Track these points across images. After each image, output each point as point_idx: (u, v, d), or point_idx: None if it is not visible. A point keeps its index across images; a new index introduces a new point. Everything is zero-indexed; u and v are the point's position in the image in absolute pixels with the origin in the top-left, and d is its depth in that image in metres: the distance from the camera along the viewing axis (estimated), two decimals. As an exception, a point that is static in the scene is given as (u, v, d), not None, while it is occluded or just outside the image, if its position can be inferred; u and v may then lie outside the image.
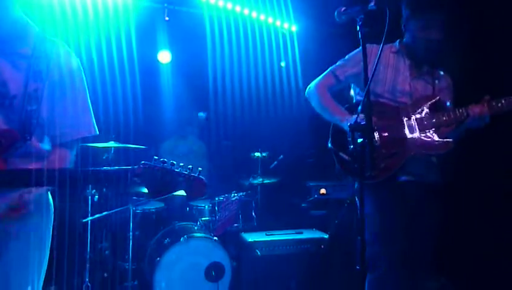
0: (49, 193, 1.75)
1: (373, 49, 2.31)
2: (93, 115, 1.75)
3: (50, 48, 1.66)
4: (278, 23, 4.97)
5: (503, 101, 2.18)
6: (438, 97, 2.31)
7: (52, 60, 1.64)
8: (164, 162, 1.59)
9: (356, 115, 1.90)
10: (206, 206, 3.87)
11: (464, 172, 3.12)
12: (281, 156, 4.32)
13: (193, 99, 4.82)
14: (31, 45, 1.63)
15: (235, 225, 3.82)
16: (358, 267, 1.69)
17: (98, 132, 1.76)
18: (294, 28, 5.09)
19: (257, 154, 4.29)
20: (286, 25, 5.02)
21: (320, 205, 4.10)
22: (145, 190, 3.71)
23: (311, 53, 5.05)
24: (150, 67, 4.58)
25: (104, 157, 3.59)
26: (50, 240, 1.76)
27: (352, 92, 2.59)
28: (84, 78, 1.72)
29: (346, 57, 2.46)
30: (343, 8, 1.82)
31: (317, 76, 2.53)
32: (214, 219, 3.75)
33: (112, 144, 3.46)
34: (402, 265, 2.20)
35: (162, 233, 3.54)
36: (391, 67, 2.36)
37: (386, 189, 2.20)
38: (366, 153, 1.60)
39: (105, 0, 4.12)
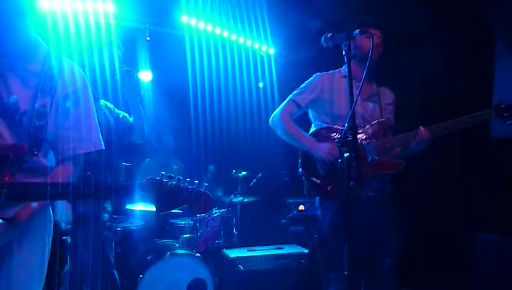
0: (49, 206, 1.80)
1: (324, 77, 2.58)
2: (99, 130, 1.81)
3: (58, 64, 1.72)
4: (256, 45, 5.15)
5: (440, 125, 2.39)
6: (388, 121, 2.51)
7: (60, 76, 1.70)
8: (171, 177, 1.63)
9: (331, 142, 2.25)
10: (187, 223, 3.91)
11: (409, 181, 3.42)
12: (260, 174, 4.43)
13: (173, 118, 4.89)
14: (40, 62, 1.69)
15: (217, 241, 3.87)
16: (345, 273, 1.80)
17: (103, 147, 1.81)
18: (271, 51, 5.29)
19: (238, 173, 4.38)
20: (264, 48, 5.22)
21: (299, 221, 4.22)
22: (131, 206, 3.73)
23: (288, 75, 5.26)
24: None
25: (88, 173, 3.58)
26: (49, 253, 1.79)
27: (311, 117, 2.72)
28: (91, 94, 1.78)
29: (303, 84, 2.63)
30: (329, 34, 1.99)
31: None
32: (195, 235, 3.80)
33: (95, 160, 3.47)
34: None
35: (144, 250, 3.55)
36: (343, 92, 2.51)
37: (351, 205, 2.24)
38: (353, 167, 1.73)
39: (88, 19, 4.17)
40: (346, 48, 1.88)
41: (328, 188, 2.41)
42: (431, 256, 3.71)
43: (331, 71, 2.65)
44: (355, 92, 2.26)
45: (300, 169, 2.52)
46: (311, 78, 2.62)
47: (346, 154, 1.80)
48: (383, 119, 2.50)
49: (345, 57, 1.89)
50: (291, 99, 2.60)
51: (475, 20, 3.59)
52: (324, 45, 2.01)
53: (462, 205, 3.54)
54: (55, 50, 1.75)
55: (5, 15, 1.54)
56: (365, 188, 2.40)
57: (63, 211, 2.42)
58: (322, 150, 2.42)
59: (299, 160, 2.55)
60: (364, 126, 2.49)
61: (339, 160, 2.01)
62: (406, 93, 2.93)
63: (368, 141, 2.45)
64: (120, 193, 1.65)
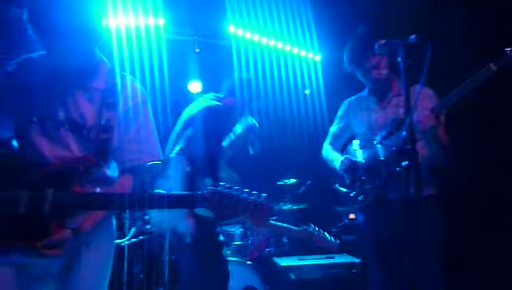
0: (113, 216, 1.88)
1: (350, 103, 2.82)
2: (158, 141, 1.89)
3: (120, 81, 1.81)
4: (303, 52, 5.15)
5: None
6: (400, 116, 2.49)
7: (122, 92, 1.79)
8: (230, 187, 1.64)
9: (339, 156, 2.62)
10: (237, 231, 3.95)
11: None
12: (309, 182, 4.40)
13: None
14: (103, 79, 1.78)
15: (267, 249, 3.88)
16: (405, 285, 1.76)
17: (162, 158, 1.89)
18: (318, 58, 5.27)
19: (286, 180, 4.38)
20: (310, 55, 5.21)
21: (350, 229, 4.16)
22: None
23: (335, 81, 5.21)
24: (180, 97, 4.77)
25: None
26: (112, 257, 1.88)
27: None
28: (150, 108, 1.87)
29: (337, 114, 2.92)
30: (383, 41, 1.96)
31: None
32: (246, 243, 3.83)
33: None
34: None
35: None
36: (365, 111, 2.71)
37: (375, 207, 2.48)
38: (411, 175, 1.70)
39: (139, 34, 4.35)
40: (402, 55, 1.84)
41: (353, 196, 2.61)
42: (485, 258, 3.49)
43: (359, 94, 2.84)
44: (374, 107, 2.60)
45: (333, 179, 2.80)
46: (341, 106, 2.91)
47: (404, 163, 1.77)
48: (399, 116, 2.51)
49: (401, 64, 1.85)
50: (330, 130, 2.95)
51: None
52: (377, 52, 1.99)
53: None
54: (115, 66, 1.85)
55: (73, 37, 1.63)
56: (392, 191, 2.41)
57: (185, 223, 2.54)
58: (337, 162, 2.70)
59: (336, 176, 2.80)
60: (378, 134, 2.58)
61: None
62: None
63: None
64: (183, 203, 1.71)
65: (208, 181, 2.37)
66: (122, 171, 1.81)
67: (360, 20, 4.52)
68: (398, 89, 2.63)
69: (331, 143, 2.93)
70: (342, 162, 2.66)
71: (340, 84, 5.22)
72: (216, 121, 2.63)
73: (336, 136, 2.91)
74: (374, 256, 2.61)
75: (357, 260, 3.69)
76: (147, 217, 3.29)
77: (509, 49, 2.04)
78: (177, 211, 2.58)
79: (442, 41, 2.46)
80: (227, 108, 2.76)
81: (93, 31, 1.69)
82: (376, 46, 1.99)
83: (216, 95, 2.85)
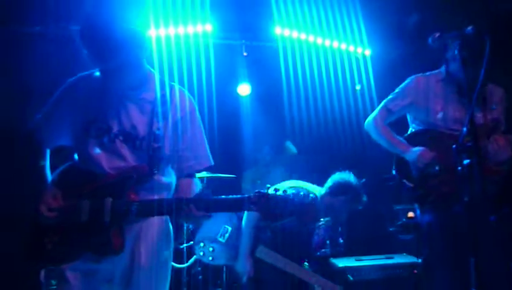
0: (169, 221, 1.94)
1: (419, 80, 2.53)
2: (208, 148, 1.94)
3: (169, 91, 1.88)
4: (352, 48, 5.04)
5: None
6: (488, 124, 2.35)
7: (171, 102, 1.86)
8: (277, 190, 1.68)
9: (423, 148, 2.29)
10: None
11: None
12: (364, 179, 4.29)
13: (272, 128, 4.98)
14: (153, 90, 1.85)
15: (323, 250, 3.83)
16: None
17: (213, 163, 1.94)
18: (367, 52, 5.12)
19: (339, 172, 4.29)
20: (360, 50, 5.08)
21: (409, 228, 4.00)
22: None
23: (386, 75, 5.05)
24: (231, 100, 4.84)
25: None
26: (171, 261, 1.94)
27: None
28: (199, 117, 1.92)
29: (397, 90, 2.62)
30: (437, 34, 1.87)
31: None
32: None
33: (204, 174, 3.68)
34: None
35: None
36: (440, 96, 2.45)
37: (452, 210, 2.26)
38: (475, 173, 1.60)
39: (188, 40, 4.46)
40: (458, 47, 1.74)
41: (420, 192, 2.41)
42: None
43: (428, 73, 2.58)
44: (453, 97, 2.35)
45: (394, 171, 2.55)
46: (405, 81, 2.59)
47: (466, 161, 1.67)
48: (482, 121, 2.36)
49: (459, 56, 1.76)
50: (385, 105, 2.63)
51: None
52: (432, 45, 1.90)
53: None
54: (165, 77, 1.92)
55: (124, 52, 1.70)
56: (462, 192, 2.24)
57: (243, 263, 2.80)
58: (414, 154, 2.41)
59: (394, 163, 2.57)
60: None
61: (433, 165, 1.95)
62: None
63: None
64: (232, 207, 1.74)
65: None
66: (181, 178, 1.88)
67: (409, 12, 4.38)
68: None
69: (381, 118, 2.62)
70: (421, 155, 2.38)
71: (391, 79, 5.04)
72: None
73: (391, 113, 2.61)
74: (443, 260, 2.40)
75: (418, 260, 3.55)
76: (210, 248, 3.34)
77: None
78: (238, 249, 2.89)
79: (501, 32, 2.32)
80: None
81: (139, 44, 1.75)
82: (430, 39, 1.91)
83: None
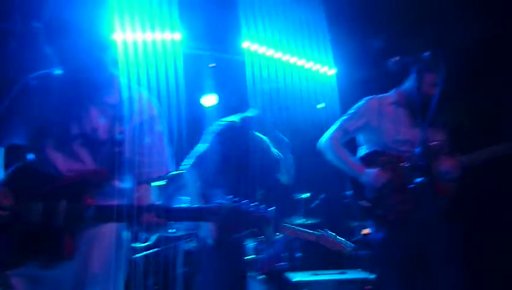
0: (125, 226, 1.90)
1: (373, 102, 2.62)
2: (169, 154, 1.92)
3: (133, 95, 1.85)
4: (317, 67, 5.17)
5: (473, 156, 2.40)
6: (437, 145, 2.45)
7: (136, 105, 1.83)
8: (237, 201, 1.64)
9: (372, 170, 2.38)
10: (250, 244, 3.92)
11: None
12: (323, 195, 4.37)
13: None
14: (116, 93, 1.82)
15: (280, 263, 3.85)
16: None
17: (173, 171, 1.92)
18: (332, 72, 5.28)
19: (299, 194, 4.36)
20: (324, 69, 5.22)
21: (364, 245, 4.09)
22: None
23: (349, 95, 5.20)
24: (196, 110, 4.82)
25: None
26: (125, 268, 1.89)
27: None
28: (163, 122, 1.90)
29: (351, 110, 2.69)
30: (397, 58, 1.96)
31: None
32: (258, 257, 3.80)
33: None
34: None
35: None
36: (391, 118, 2.55)
37: (405, 228, 2.38)
38: (427, 191, 1.68)
39: (156, 48, 4.43)
40: (416, 71, 1.84)
41: (377, 212, 2.48)
42: None
43: (380, 95, 2.67)
44: (404, 120, 2.46)
45: (349, 193, 2.61)
46: (360, 102, 2.67)
47: (418, 179, 1.75)
48: (434, 143, 2.46)
49: (416, 77, 1.85)
50: (341, 125, 2.67)
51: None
52: (392, 68, 1.99)
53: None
54: (130, 81, 1.89)
55: (85, 51, 1.67)
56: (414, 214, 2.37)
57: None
58: (370, 175, 2.47)
59: (349, 183, 2.63)
60: (411, 152, 2.45)
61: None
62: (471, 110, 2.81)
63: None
64: (192, 216, 1.72)
65: (218, 194, 2.38)
66: (137, 184, 1.84)
67: (374, 35, 4.57)
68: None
69: (336, 138, 2.66)
70: (377, 176, 2.45)
71: (355, 98, 5.22)
72: (228, 138, 2.64)
73: (345, 133, 2.66)
74: (395, 275, 2.48)
75: (371, 276, 3.63)
76: None
77: None
78: None
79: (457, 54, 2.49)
80: (245, 124, 2.76)
81: (103, 46, 1.72)
82: (390, 62, 2.00)
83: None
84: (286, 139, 2.88)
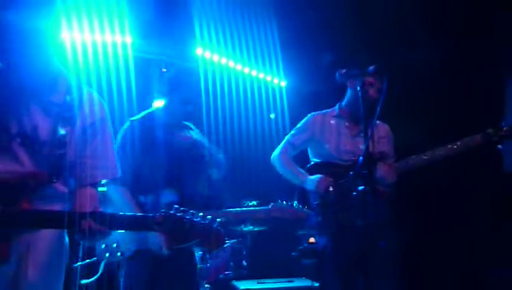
0: (65, 234, 1.81)
1: (316, 117, 2.80)
2: (116, 158, 1.85)
3: (79, 95, 1.77)
4: (269, 78, 5.26)
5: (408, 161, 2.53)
6: (377, 153, 2.56)
7: (80, 106, 1.75)
8: (184, 211, 1.60)
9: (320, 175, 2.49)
10: (196, 253, 3.88)
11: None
12: (271, 204, 4.41)
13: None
14: (62, 92, 1.73)
15: (226, 272, 3.83)
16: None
17: (120, 174, 1.86)
18: (283, 84, 5.39)
19: (247, 202, 4.37)
20: (276, 80, 5.32)
21: (310, 253, 4.17)
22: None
23: (299, 107, 5.34)
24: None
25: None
26: (63, 280, 1.80)
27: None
28: (110, 124, 1.84)
29: (298, 125, 2.88)
30: (343, 71, 2.04)
31: None
32: (205, 266, 3.76)
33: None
34: None
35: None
36: (334, 131, 2.72)
37: (346, 234, 2.46)
38: (368, 198, 1.75)
39: (106, 50, 4.32)
40: (360, 84, 1.93)
41: (319, 219, 2.59)
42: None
43: (325, 111, 2.85)
44: (345, 131, 2.63)
45: (295, 202, 2.66)
46: (305, 118, 2.85)
47: (360, 187, 1.82)
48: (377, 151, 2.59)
49: (359, 92, 1.94)
50: (287, 140, 2.87)
51: (487, 57, 3.66)
52: (338, 80, 2.07)
53: (474, 240, 3.50)
54: (77, 80, 1.82)
55: (28, 46, 1.60)
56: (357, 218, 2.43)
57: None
58: (312, 182, 2.60)
59: (295, 193, 2.77)
60: (353, 161, 2.59)
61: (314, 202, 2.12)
62: (416, 126, 2.97)
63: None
64: (134, 225, 1.65)
65: (144, 200, 2.31)
66: (79, 188, 1.76)
67: (324, 50, 4.73)
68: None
69: (285, 153, 2.84)
70: (319, 181, 2.57)
71: (304, 110, 5.34)
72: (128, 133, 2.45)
73: (293, 147, 2.84)
74: (338, 282, 2.57)
75: (315, 284, 3.70)
76: (114, 245, 3.11)
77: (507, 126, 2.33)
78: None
79: (406, 74, 2.64)
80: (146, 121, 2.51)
81: (47, 43, 1.65)
82: (337, 74, 2.08)
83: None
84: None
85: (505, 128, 2.37)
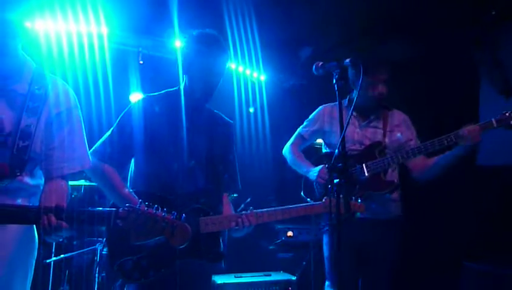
0: (33, 228, 1.75)
1: (325, 108, 2.83)
2: (87, 149, 1.80)
3: (47, 84, 1.72)
4: (248, 72, 5.23)
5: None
6: (382, 142, 2.65)
7: (50, 96, 1.70)
8: (149, 205, 1.58)
9: (322, 165, 2.54)
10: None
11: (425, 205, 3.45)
12: (248, 199, 4.40)
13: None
14: (27, 82, 1.68)
15: (204, 266, 3.80)
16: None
17: (91, 165, 1.80)
18: (263, 78, 5.36)
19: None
20: (255, 74, 5.29)
21: (287, 247, 4.18)
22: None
23: (278, 101, 5.35)
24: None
25: (73, 196, 3.55)
26: (32, 276, 1.75)
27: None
28: (81, 113, 1.78)
29: (309, 117, 2.90)
30: (320, 63, 2.03)
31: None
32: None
33: (82, 182, 3.44)
34: None
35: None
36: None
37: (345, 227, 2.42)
38: (343, 191, 1.76)
39: (82, 41, 4.21)
40: (336, 76, 1.92)
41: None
42: (418, 283, 3.69)
43: (334, 103, 2.79)
44: (350, 119, 2.58)
45: (302, 192, 2.76)
46: (315, 110, 2.89)
47: (336, 180, 1.82)
48: (376, 141, 2.66)
49: (335, 85, 1.93)
50: (299, 132, 2.92)
51: (463, 56, 3.72)
52: (315, 73, 2.06)
53: (449, 233, 3.55)
54: (44, 70, 1.75)
55: None
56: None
57: None
58: (315, 172, 2.63)
59: (302, 184, 2.79)
60: (359, 150, 2.66)
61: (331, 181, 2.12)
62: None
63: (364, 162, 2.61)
64: (97, 220, 1.60)
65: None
66: (48, 180, 1.71)
67: (303, 44, 4.73)
68: (379, 113, 2.74)
69: (295, 145, 2.90)
70: (320, 171, 2.59)
71: (283, 104, 5.36)
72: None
73: (303, 139, 2.90)
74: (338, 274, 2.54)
75: (293, 278, 3.72)
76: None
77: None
78: None
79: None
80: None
81: (13, 30, 1.59)
82: (314, 66, 2.06)
83: None
84: None
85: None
